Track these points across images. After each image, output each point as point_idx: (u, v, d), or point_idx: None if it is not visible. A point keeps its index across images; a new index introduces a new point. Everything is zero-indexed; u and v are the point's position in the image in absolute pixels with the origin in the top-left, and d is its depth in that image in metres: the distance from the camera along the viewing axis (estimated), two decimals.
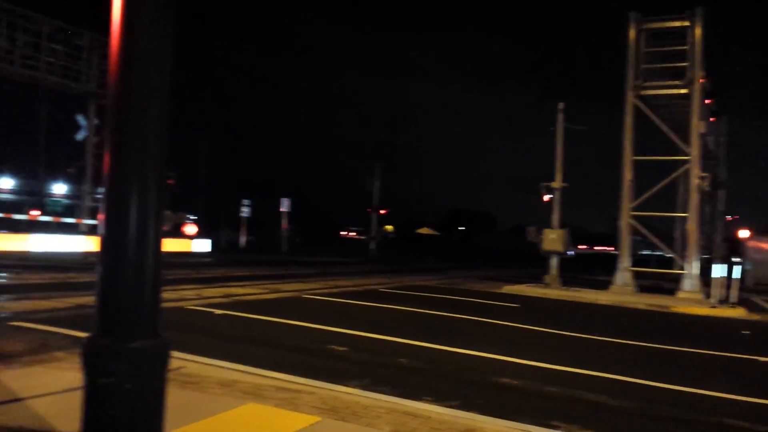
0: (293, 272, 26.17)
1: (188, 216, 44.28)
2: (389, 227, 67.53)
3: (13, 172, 67.49)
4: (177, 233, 39.25)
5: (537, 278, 26.56)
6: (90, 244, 31.87)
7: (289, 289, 18.56)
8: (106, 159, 2.91)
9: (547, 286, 24.37)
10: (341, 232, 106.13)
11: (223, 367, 7.19)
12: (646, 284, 25.21)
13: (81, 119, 35.98)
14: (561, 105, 26.07)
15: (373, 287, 20.84)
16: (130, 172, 2.86)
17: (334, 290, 19.05)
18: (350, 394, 6.51)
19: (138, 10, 2.84)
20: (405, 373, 8.05)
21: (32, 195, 61.03)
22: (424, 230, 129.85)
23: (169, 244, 36.17)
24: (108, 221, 2.91)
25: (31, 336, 8.57)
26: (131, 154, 2.87)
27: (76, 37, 32.85)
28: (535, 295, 22.06)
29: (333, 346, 9.44)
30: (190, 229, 41.53)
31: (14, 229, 35.35)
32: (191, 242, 40.71)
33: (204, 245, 42.14)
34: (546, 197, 25.62)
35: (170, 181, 37.93)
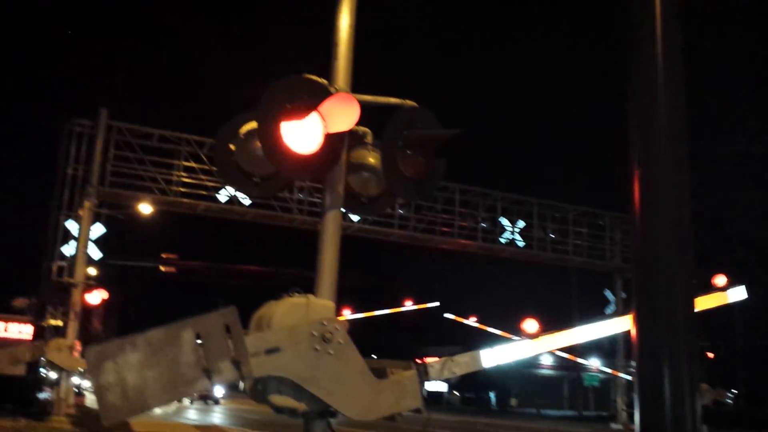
0: None
1: (729, 391, 40.25)
2: None
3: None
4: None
5: None
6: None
7: None
8: (634, 332, 2.99)
9: None
10: None
11: None
12: None
13: (608, 294, 37.70)
14: None
15: None
16: (658, 346, 2.86)
17: None
18: None
19: (655, 193, 2.98)
20: None
21: (569, 370, 64.89)
22: None
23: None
24: (641, 396, 2.92)
25: None
26: (658, 327, 2.88)
27: (598, 218, 35.51)
28: None
29: None
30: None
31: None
32: None
33: None
34: None
35: (707, 353, 35.74)
